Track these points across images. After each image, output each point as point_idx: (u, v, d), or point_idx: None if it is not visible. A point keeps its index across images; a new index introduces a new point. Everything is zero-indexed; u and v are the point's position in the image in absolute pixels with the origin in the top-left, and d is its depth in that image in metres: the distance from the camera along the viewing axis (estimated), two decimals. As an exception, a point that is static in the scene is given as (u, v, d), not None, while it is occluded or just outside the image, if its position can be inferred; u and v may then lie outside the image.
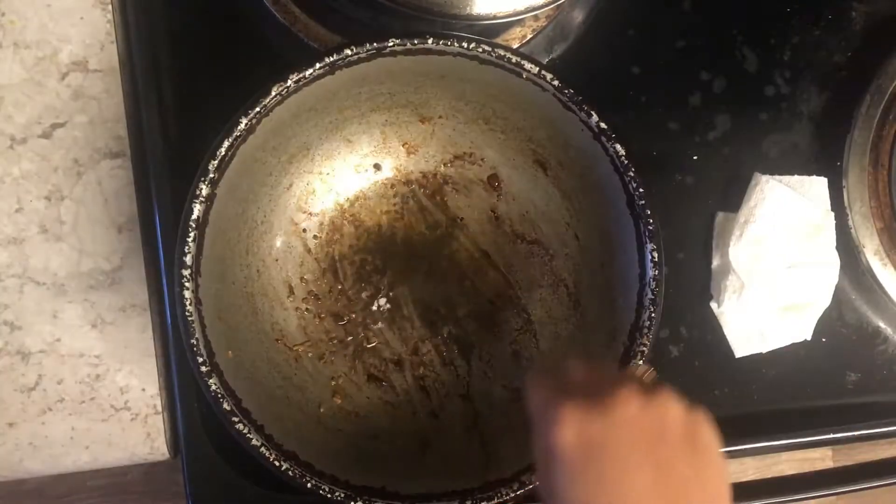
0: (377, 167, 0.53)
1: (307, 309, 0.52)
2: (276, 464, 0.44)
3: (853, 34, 0.60)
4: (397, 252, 0.53)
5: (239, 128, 0.43)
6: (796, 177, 0.57)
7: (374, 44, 0.44)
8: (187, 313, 0.43)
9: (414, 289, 0.53)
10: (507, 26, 0.54)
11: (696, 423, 0.37)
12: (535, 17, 0.55)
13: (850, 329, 0.59)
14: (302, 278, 0.52)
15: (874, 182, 0.58)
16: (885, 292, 0.58)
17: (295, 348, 0.51)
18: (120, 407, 0.53)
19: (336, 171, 0.53)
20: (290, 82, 0.43)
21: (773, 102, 0.59)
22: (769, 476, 0.57)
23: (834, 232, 0.57)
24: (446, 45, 0.44)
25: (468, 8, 0.48)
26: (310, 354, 0.52)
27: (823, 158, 0.59)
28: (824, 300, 0.57)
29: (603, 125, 0.46)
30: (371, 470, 0.47)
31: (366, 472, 0.46)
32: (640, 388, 0.37)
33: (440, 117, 0.52)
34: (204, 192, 0.43)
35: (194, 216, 0.43)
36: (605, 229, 0.50)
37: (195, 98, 0.53)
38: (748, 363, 0.57)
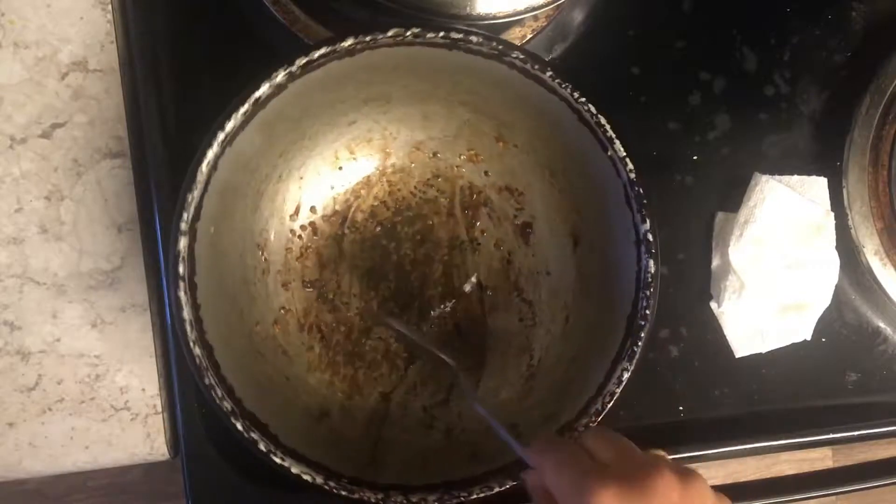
0: (435, 155, 0.53)
1: (300, 236, 0.52)
2: (190, 345, 0.43)
3: (853, 34, 0.60)
4: (406, 238, 0.53)
5: (343, 45, 0.44)
6: (796, 177, 0.57)
7: (500, 46, 0.44)
8: (199, 173, 0.43)
9: (399, 277, 0.53)
10: (506, 26, 0.54)
11: None
12: (535, 18, 0.55)
13: (850, 329, 0.59)
14: (312, 208, 0.52)
15: (874, 182, 0.58)
16: (885, 292, 0.58)
17: (268, 261, 0.51)
18: (120, 407, 0.53)
19: (399, 136, 0.53)
20: (409, 34, 0.44)
21: (772, 102, 0.59)
22: (769, 476, 0.57)
23: (834, 232, 0.57)
24: (561, 85, 0.45)
25: (468, 8, 0.48)
26: (277, 276, 0.51)
27: (823, 158, 0.59)
28: (824, 300, 0.57)
29: (650, 237, 0.46)
30: (270, 409, 0.46)
31: (265, 407, 0.46)
32: (675, 472, 0.36)
33: (515, 146, 0.52)
34: (279, 79, 0.43)
35: (258, 94, 0.43)
36: (597, 324, 0.49)
37: (195, 98, 0.53)
38: (748, 363, 0.57)
